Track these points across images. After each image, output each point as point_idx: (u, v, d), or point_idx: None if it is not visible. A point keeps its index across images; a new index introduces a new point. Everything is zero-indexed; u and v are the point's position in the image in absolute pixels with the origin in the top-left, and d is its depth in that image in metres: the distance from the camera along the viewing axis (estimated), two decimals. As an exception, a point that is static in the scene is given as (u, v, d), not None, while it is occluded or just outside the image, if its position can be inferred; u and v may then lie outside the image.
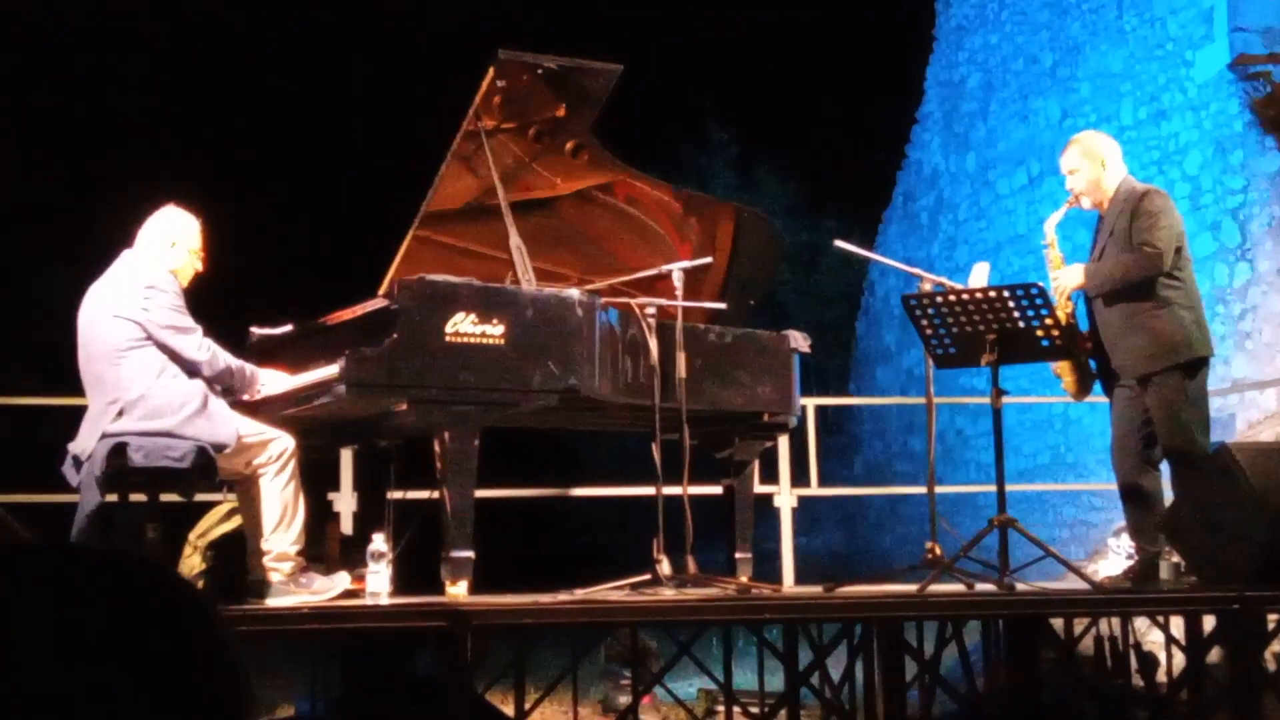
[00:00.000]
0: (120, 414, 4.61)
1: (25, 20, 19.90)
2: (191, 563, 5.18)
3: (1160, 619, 6.09)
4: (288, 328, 5.39)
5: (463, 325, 4.74)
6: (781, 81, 24.58)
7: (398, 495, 5.60)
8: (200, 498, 5.26)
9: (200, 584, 5.05)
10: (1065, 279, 5.64)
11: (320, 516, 5.51)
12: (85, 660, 0.90)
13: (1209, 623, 5.22)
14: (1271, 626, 5.21)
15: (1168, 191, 5.94)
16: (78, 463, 4.68)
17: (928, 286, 5.42)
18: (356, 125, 23.79)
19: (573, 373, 4.91)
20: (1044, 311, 5.13)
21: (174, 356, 4.69)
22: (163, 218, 4.92)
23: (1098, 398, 5.92)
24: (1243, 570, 5.10)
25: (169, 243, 4.87)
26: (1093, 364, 5.74)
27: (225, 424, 4.68)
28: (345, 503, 6.60)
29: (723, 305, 5.85)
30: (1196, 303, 5.64)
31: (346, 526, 6.33)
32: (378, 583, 4.61)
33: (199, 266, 4.98)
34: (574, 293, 5.03)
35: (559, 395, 4.91)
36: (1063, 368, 5.73)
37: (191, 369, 4.72)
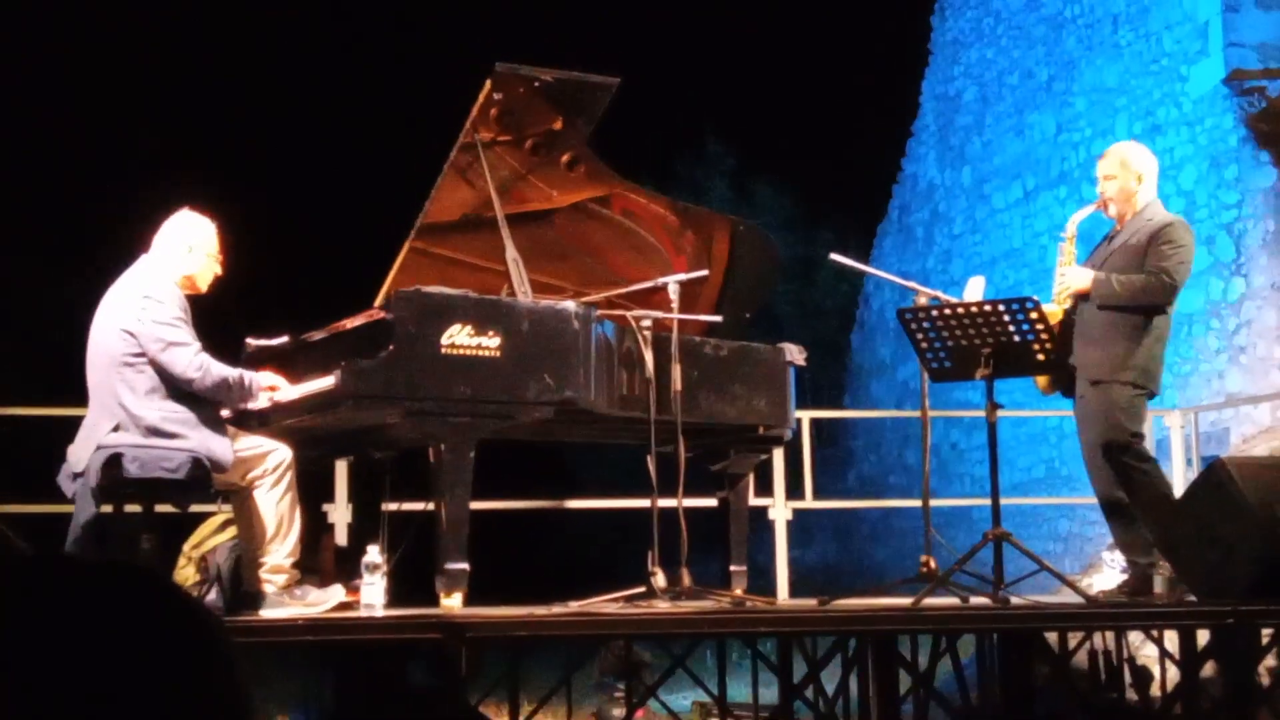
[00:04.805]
0: (116, 428, 4.59)
1: (33, 28, 19.94)
2: (185, 574, 5.17)
3: (1154, 633, 6.09)
4: (284, 339, 5.39)
5: (459, 337, 4.74)
6: (778, 95, 24.68)
7: (393, 507, 5.59)
8: (195, 509, 5.25)
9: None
10: (1072, 279, 5.63)
11: (315, 528, 5.50)
12: (87, 671, 0.91)
13: (1203, 637, 5.22)
14: (1266, 641, 5.21)
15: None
16: (73, 473, 4.67)
17: (923, 300, 5.43)
18: (354, 137, 23.83)
19: (568, 385, 4.91)
20: (1039, 326, 5.12)
21: (163, 372, 4.63)
22: (178, 222, 4.86)
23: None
24: (1237, 585, 5.10)
25: (186, 247, 4.81)
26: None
27: (223, 443, 4.66)
28: (340, 514, 6.59)
29: (718, 318, 5.85)
30: (1166, 340, 5.68)
31: (341, 538, 6.32)
32: (372, 594, 4.61)
33: (218, 270, 4.93)
34: (570, 305, 5.03)
35: (555, 407, 4.91)
36: None
37: (182, 386, 4.65)
